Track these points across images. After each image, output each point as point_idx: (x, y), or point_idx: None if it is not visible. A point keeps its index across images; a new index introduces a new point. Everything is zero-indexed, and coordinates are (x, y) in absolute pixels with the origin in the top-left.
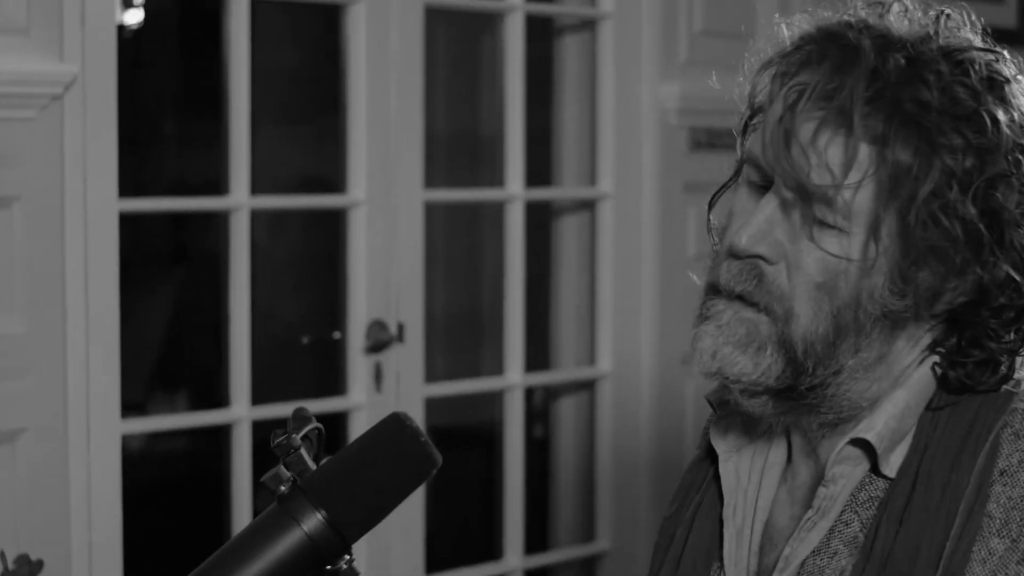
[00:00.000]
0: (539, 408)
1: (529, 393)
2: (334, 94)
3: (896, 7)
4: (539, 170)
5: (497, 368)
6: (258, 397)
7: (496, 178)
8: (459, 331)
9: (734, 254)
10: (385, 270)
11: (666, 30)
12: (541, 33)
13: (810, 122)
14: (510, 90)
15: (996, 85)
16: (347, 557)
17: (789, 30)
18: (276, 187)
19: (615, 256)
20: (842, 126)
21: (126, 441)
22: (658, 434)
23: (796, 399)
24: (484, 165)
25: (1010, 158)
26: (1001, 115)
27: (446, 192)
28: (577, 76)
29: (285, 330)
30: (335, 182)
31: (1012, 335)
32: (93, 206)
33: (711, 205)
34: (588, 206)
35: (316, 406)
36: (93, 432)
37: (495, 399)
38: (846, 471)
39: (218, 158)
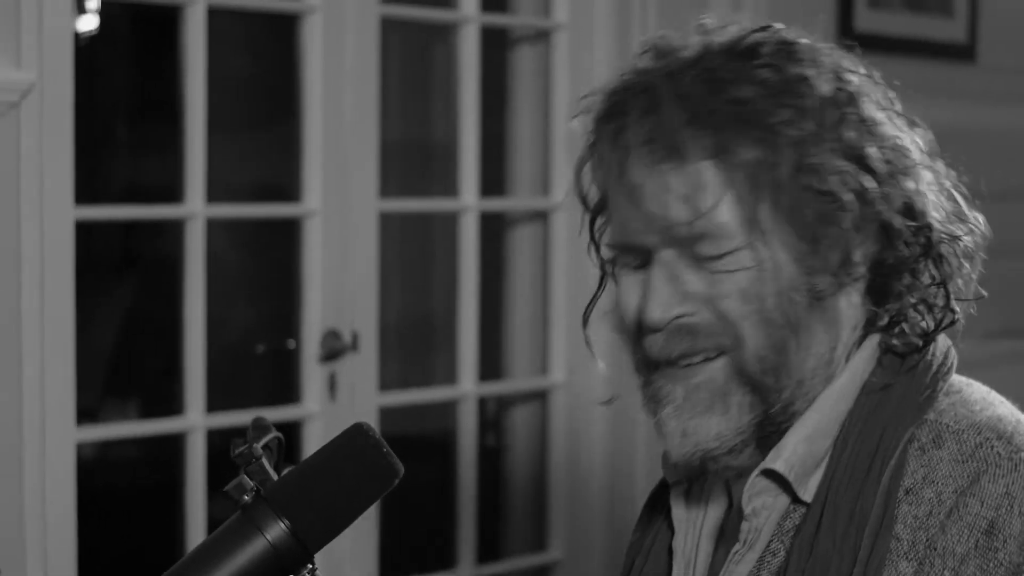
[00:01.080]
0: (492, 417)
1: (482, 402)
2: (289, 103)
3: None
4: (493, 180)
5: (450, 377)
6: (212, 405)
7: (450, 188)
8: (413, 340)
9: (653, 329)
10: (339, 279)
11: (620, 40)
12: (496, 43)
13: (648, 173)
14: (464, 100)
15: (787, 51)
16: (310, 566)
17: (583, 122)
18: (229, 195)
19: (568, 267)
20: (676, 159)
21: (78, 449)
22: (611, 444)
23: (775, 428)
24: (437, 175)
25: (838, 102)
26: (808, 71)
27: (401, 202)
28: (531, 87)
29: (239, 338)
30: (289, 190)
31: (931, 277)
32: (49, 214)
33: (586, 321)
34: (542, 216)
35: (270, 415)
36: (48, 439)
37: (448, 408)
38: (767, 502)
39: (173, 165)
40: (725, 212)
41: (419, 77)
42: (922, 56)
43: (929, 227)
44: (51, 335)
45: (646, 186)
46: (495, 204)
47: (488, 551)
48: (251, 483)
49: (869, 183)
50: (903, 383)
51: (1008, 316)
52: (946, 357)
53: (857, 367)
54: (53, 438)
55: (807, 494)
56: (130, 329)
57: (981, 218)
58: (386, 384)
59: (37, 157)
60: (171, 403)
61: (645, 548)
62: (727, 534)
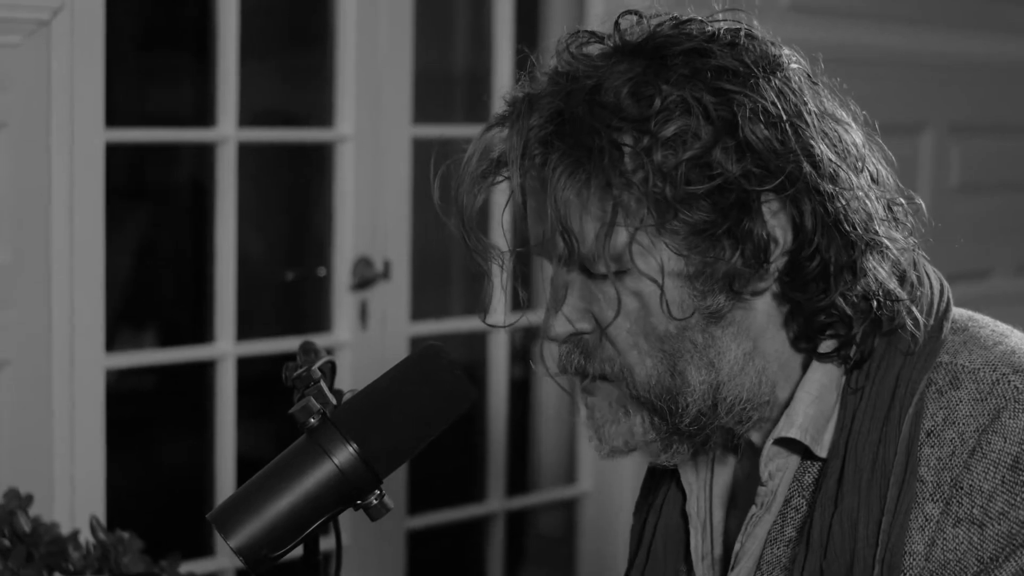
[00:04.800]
0: (520, 349)
1: (512, 333)
2: (322, 28)
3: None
4: None
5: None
6: (240, 333)
7: (483, 116)
8: (444, 269)
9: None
10: (372, 206)
11: None
12: None
13: (540, 195)
14: (499, 27)
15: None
16: (378, 492)
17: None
18: (251, 122)
19: None
20: (552, 186)
21: None
22: None
23: (702, 429)
24: (472, 104)
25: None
26: (682, 91)
27: (435, 128)
28: (565, 14)
29: (269, 266)
30: (320, 119)
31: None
32: (80, 135)
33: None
34: None
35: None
36: (77, 365)
37: (477, 339)
38: (780, 464)
39: (204, 92)
40: (618, 242)
41: (453, 3)
42: None
43: (843, 234)
44: (80, 260)
45: (539, 206)
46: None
47: (517, 483)
48: (317, 405)
49: (761, 197)
50: (909, 328)
51: None
52: (942, 293)
53: None
54: (82, 365)
55: (822, 450)
56: (148, 258)
57: (920, 204)
58: (417, 314)
59: (68, 77)
60: (193, 332)
61: (656, 506)
62: (739, 499)
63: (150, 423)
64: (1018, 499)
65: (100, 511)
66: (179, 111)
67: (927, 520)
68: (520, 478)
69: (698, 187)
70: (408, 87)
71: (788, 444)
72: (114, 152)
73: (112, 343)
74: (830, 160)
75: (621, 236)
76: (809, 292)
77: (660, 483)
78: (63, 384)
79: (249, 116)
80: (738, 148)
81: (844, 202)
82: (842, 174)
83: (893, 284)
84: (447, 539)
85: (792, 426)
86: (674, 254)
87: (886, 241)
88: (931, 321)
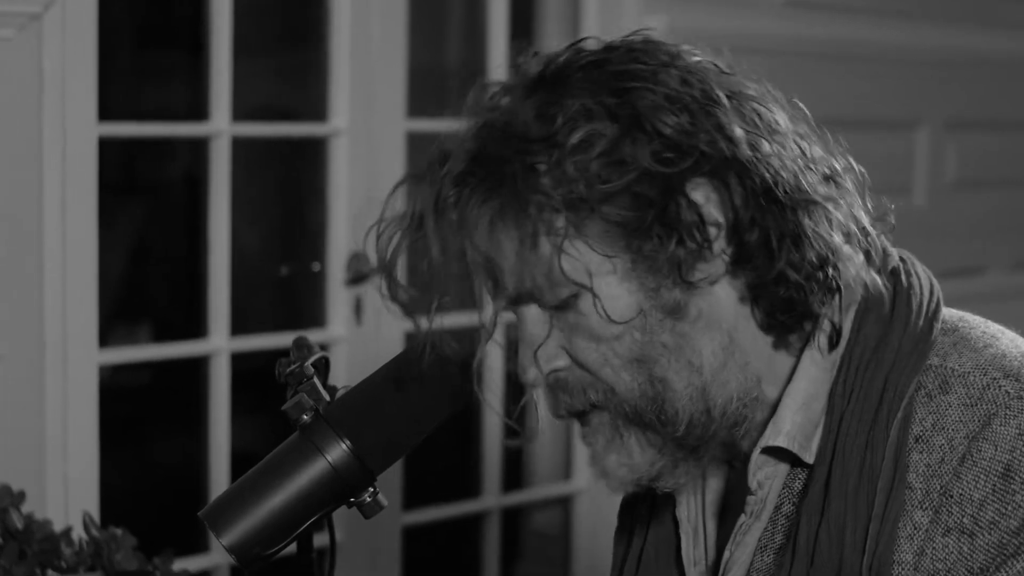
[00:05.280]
0: (516, 344)
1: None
2: (316, 23)
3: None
4: None
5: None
6: (234, 329)
7: None
8: None
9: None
10: (366, 201)
11: None
12: None
13: (472, 238)
14: (493, 23)
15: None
16: (371, 489)
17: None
18: (245, 117)
19: None
20: (479, 225)
21: None
22: None
23: (701, 440)
24: (464, 96)
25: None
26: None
27: (428, 122)
28: (560, 10)
29: (262, 261)
30: (304, 113)
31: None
32: (72, 129)
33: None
34: None
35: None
36: (70, 361)
37: (475, 334)
38: (770, 472)
39: (189, 86)
40: (545, 261)
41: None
42: None
43: (775, 201)
44: (73, 255)
45: (479, 249)
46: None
47: (513, 480)
48: (310, 402)
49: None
50: (899, 326)
51: None
52: (931, 293)
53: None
54: (75, 360)
55: (810, 456)
56: (141, 253)
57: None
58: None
59: (60, 72)
60: (186, 328)
61: (643, 518)
62: (731, 506)
63: (143, 419)
64: (1009, 508)
65: (93, 508)
66: (172, 106)
67: (916, 528)
68: (515, 475)
69: (615, 183)
70: (402, 81)
71: (776, 452)
72: (107, 147)
73: (105, 339)
74: (746, 132)
75: (545, 251)
76: (757, 266)
77: (642, 499)
78: (56, 380)
79: (243, 111)
80: (647, 138)
81: (768, 169)
82: (763, 145)
83: (838, 240)
84: (442, 536)
85: (779, 434)
86: (605, 257)
87: (819, 199)
88: (920, 322)
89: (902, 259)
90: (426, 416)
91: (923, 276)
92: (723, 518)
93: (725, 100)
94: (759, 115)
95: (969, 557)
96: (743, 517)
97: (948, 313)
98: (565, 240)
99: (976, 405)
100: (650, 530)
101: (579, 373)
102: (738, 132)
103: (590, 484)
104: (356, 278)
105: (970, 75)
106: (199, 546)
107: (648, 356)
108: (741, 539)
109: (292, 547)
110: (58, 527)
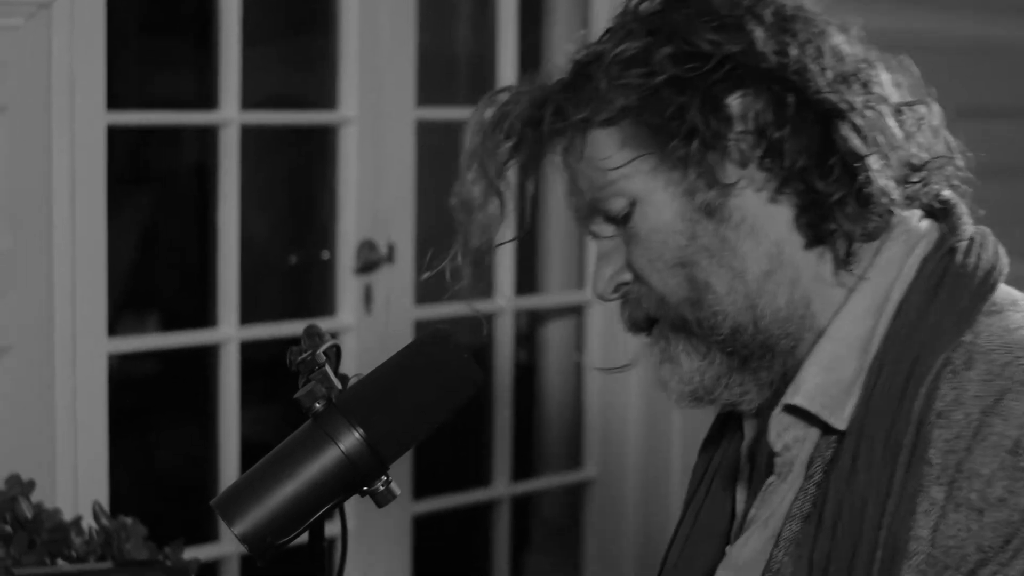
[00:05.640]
0: (524, 332)
1: (516, 317)
2: (324, 9)
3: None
4: None
5: (486, 291)
6: (243, 318)
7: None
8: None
9: (604, 300)
10: (375, 189)
11: None
12: None
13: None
14: (503, 10)
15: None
16: (384, 478)
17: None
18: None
19: None
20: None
21: None
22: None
23: (749, 351)
24: (473, 84)
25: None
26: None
27: (438, 110)
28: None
29: (272, 249)
30: (314, 101)
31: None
32: (81, 118)
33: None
34: None
35: (304, 327)
36: (79, 350)
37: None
38: (798, 435)
39: (198, 74)
40: (597, 173)
41: None
42: None
43: (803, 102)
44: (82, 244)
45: (568, 167)
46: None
47: (523, 469)
48: (322, 390)
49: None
50: (942, 302)
51: None
52: (991, 271)
53: (876, 285)
54: (84, 350)
55: (842, 423)
56: (150, 242)
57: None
58: (422, 297)
59: (68, 60)
60: (195, 316)
61: (723, 446)
62: (755, 457)
63: (153, 408)
64: (1017, 485)
65: (103, 497)
66: (181, 95)
67: (932, 504)
68: (526, 463)
69: (646, 89)
70: (411, 69)
71: (806, 415)
72: (116, 135)
73: (114, 328)
74: (779, 44)
75: (595, 162)
76: (790, 170)
77: (728, 424)
78: (65, 369)
79: (252, 99)
80: (676, 47)
81: (795, 74)
82: (791, 51)
83: (858, 144)
84: (452, 525)
85: (797, 393)
86: (645, 164)
87: (844, 108)
88: (964, 301)
89: (972, 237)
90: (439, 404)
91: (987, 256)
92: (750, 482)
93: (769, 16)
94: (808, 36)
95: (978, 534)
96: (771, 477)
97: (1004, 294)
98: (611, 151)
99: (994, 381)
100: (723, 461)
101: (638, 285)
102: (769, 42)
103: (600, 473)
104: (366, 266)
105: (982, 62)
106: (209, 535)
107: (690, 259)
108: (766, 498)
109: (303, 536)
110: (68, 516)
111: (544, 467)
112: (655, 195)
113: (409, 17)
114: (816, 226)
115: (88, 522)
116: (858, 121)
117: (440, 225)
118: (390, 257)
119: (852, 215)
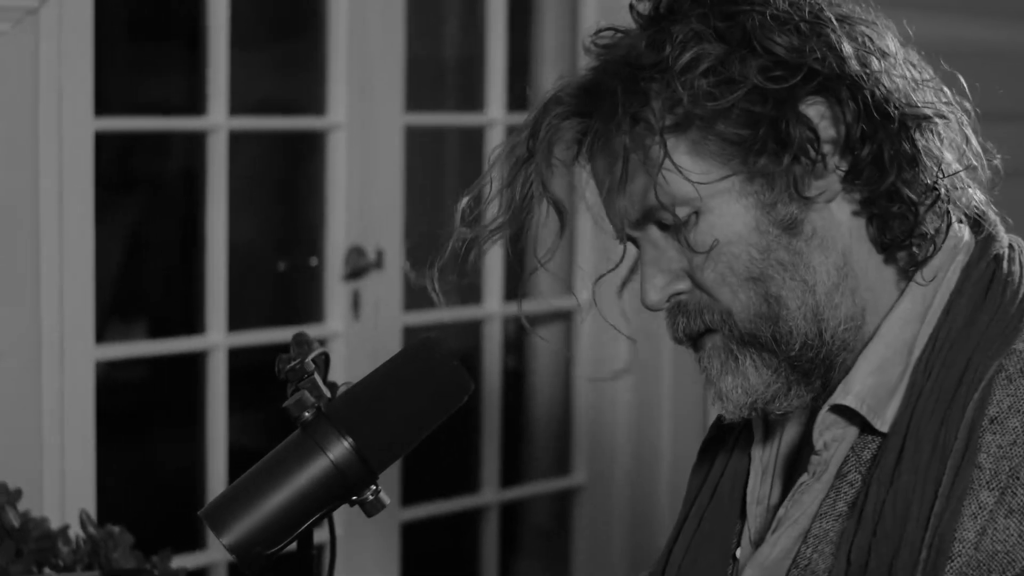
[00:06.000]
0: (513, 339)
1: (505, 323)
2: (312, 15)
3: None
4: (519, 96)
5: (475, 296)
6: (231, 324)
7: (476, 104)
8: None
9: (655, 310)
10: (364, 195)
11: None
12: None
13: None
14: (492, 14)
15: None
16: (373, 487)
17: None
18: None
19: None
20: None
21: None
22: (636, 368)
23: (813, 363)
24: (463, 91)
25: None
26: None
27: (427, 116)
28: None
29: (260, 255)
30: (302, 107)
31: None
32: (69, 124)
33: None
34: None
35: (292, 334)
36: (67, 357)
37: (472, 329)
38: (836, 434)
39: (187, 80)
40: (665, 181)
41: None
42: None
43: (887, 116)
44: (70, 250)
45: (598, 172)
46: (521, 119)
47: (511, 475)
48: (311, 399)
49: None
50: (990, 309)
51: None
52: None
53: (923, 289)
54: (72, 356)
55: (883, 424)
56: (138, 248)
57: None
58: (410, 303)
59: (56, 65)
60: (183, 323)
61: (728, 447)
62: (798, 462)
63: (140, 416)
64: None
65: (90, 505)
66: (170, 100)
67: (980, 508)
68: (514, 470)
69: (725, 100)
70: (400, 74)
71: (848, 415)
72: (103, 141)
73: (102, 335)
74: (856, 50)
75: (664, 171)
76: (870, 180)
77: (728, 431)
78: (52, 376)
79: (241, 105)
80: (756, 55)
81: (879, 85)
82: (873, 62)
83: (949, 158)
84: (441, 531)
85: (848, 394)
86: (720, 175)
87: (930, 113)
88: (1012, 309)
89: (1011, 245)
90: (429, 413)
91: None
92: (789, 472)
93: (835, 21)
94: (869, 37)
95: None
96: (804, 476)
97: None
98: (682, 159)
99: None
100: (729, 463)
101: (698, 295)
102: (848, 49)
103: (589, 480)
104: (355, 272)
105: (994, 67)
106: (197, 543)
107: (764, 274)
108: (798, 497)
109: (292, 545)
110: (55, 525)
111: (533, 473)
112: (728, 206)
113: (398, 23)
114: (892, 236)
115: (75, 531)
116: (941, 130)
117: (429, 231)
118: (378, 263)
119: (932, 225)
